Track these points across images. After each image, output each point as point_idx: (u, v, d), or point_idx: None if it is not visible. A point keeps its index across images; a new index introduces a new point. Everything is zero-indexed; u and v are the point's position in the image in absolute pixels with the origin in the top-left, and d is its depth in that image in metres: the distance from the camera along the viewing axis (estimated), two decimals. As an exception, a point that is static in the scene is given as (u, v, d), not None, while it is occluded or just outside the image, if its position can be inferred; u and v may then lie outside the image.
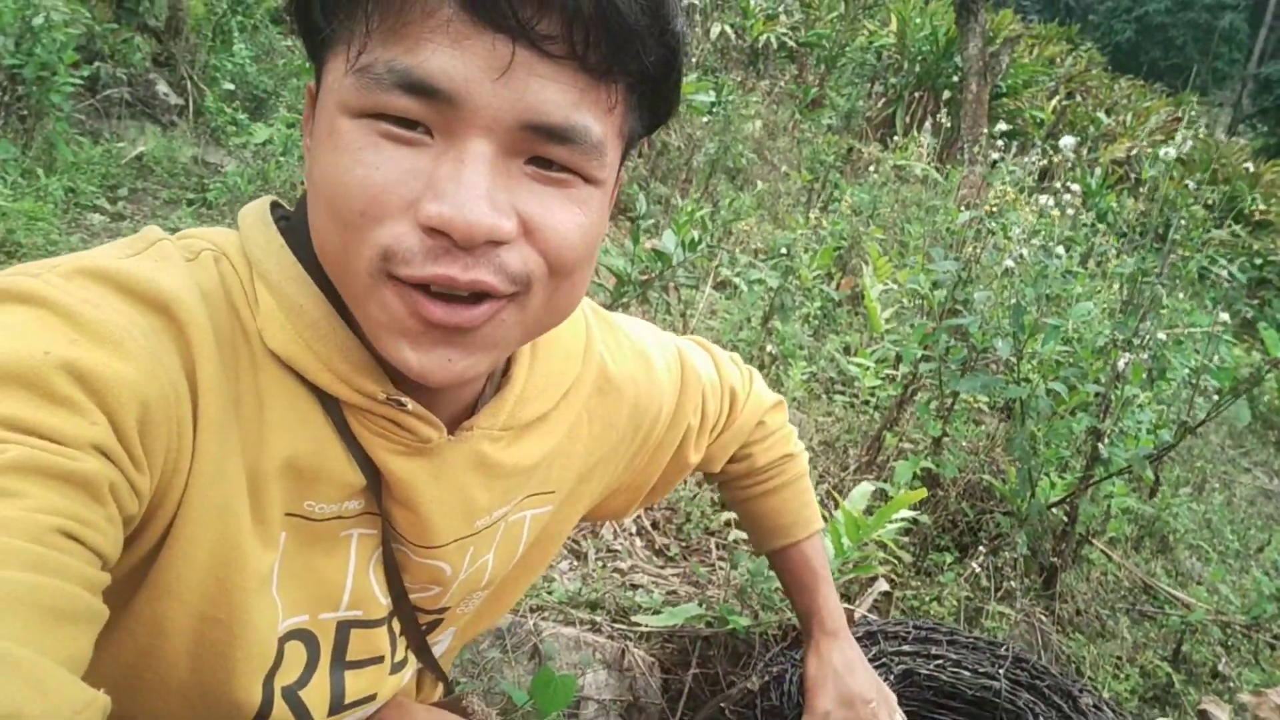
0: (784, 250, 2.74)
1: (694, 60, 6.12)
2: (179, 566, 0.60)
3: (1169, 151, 2.55)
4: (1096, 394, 2.26)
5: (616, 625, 1.59)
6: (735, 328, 3.10)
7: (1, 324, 0.51)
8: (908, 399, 2.60)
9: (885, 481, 2.31)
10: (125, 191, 3.39)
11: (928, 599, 2.06)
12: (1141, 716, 1.99)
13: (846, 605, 1.43)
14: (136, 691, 0.65)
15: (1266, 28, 32.27)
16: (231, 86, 4.08)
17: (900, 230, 4.65)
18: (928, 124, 6.54)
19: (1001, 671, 1.21)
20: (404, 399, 0.65)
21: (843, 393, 3.06)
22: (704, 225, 2.76)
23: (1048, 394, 2.22)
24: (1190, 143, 2.70)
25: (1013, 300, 2.30)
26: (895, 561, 2.11)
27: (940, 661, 1.26)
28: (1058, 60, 9.70)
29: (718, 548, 2.02)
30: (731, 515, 2.10)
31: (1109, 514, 2.52)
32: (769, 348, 2.98)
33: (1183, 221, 2.48)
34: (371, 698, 0.78)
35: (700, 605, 1.66)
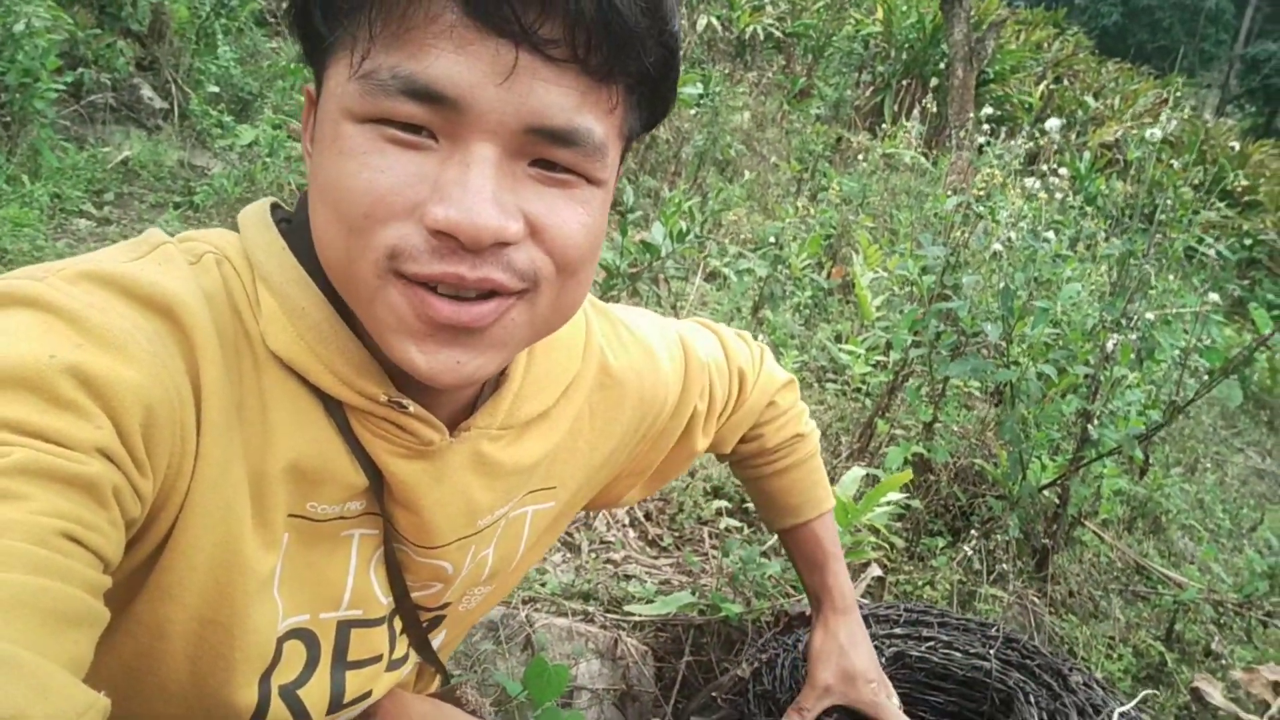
0: (772, 239, 2.75)
1: (682, 53, 6.11)
2: (179, 569, 0.60)
3: (1154, 132, 2.55)
4: (1086, 376, 2.27)
5: (609, 615, 1.60)
6: (726, 318, 3.10)
7: (6, 328, 0.52)
8: (898, 385, 2.60)
9: (877, 468, 2.32)
10: (111, 196, 3.38)
11: (920, 583, 2.07)
12: (1133, 695, 2.00)
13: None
14: (136, 692, 0.66)
15: (1253, 8, 32.33)
16: (216, 89, 4.07)
17: (890, 218, 4.66)
18: (915, 111, 6.54)
19: (992, 652, 1.21)
20: (405, 401, 0.65)
21: (834, 381, 3.07)
22: (691, 215, 2.76)
23: (1038, 377, 2.22)
24: (1175, 123, 2.70)
25: (1001, 284, 2.30)
26: (887, 547, 2.11)
27: (931, 643, 1.26)
28: (1045, 45, 9.70)
29: (710, 537, 2.02)
30: (723, 503, 2.10)
31: (1099, 495, 2.53)
32: (760, 337, 2.98)
33: (1169, 202, 2.48)
34: (368, 694, 0.79)
35: (693, 594, 1.67)
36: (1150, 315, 2.22)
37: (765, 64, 7.66)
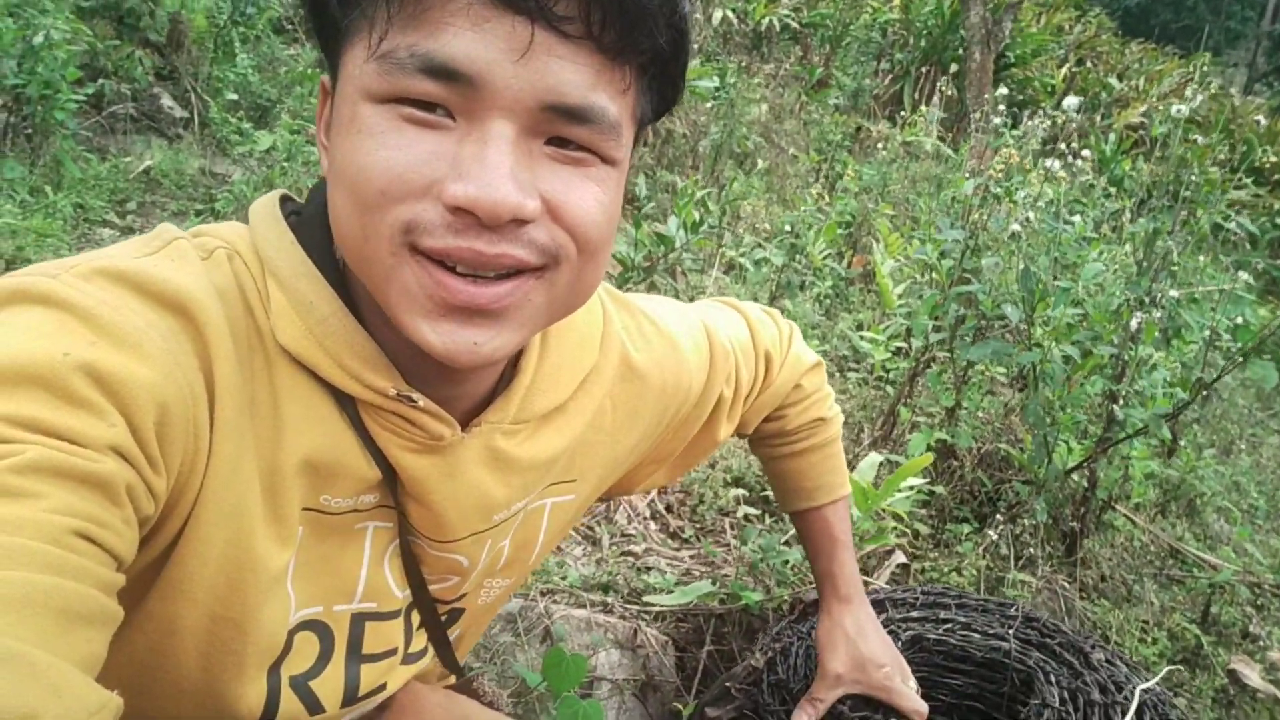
0: (788, 228, 2.73)
1: (697, 46, 6.09)
2: (191, 566, 0.60)
3: (1180, 108, 2.50)
4: (1111, 356, 2.23)
5: (629, 606, 1.59)
6: (744, 309, 3.08)
7: (20, 325, 0.52)
8: (920, 371, 2.57)
9: (901, 455, 2.29)
10: (134, 205, 3.42)
11: (946, 570, 2.04)
12: (1169, 679, 1.97)
13: (864, 578, 1.42)
14: (147, 689, 0.66)
15: (1281, -16, 31.68)
16: (235, 97, 4.11)
17: (910, 206, 4.61)
18: (935, 98, 6.47)
19: (1011, 632, 1.19)
20: (414, 395, 0.65)
21: (856, 369, 3.04)
22: (705, 206, 2.74)
23: (1063, 359, 2.19)
24: (1201, 98, 2.64)
25: (1021, 265, 2.27)
26: (911, 534, 2.09)
27: (949, 625, 1.24)
28: (1066, 27, 9.56)
29: (731, 528, 2.01)
30: (741, 491, 2.09)
31: (1128, 477, 2.49)
32: (780, 327, 2.96)
33: (1194, 178, 2.43)
34: (382, 687, 0.79)
35: (714, 583, 1.66)
36: (1175, 293, 2.17)
37: (782, 55, 7.61)
